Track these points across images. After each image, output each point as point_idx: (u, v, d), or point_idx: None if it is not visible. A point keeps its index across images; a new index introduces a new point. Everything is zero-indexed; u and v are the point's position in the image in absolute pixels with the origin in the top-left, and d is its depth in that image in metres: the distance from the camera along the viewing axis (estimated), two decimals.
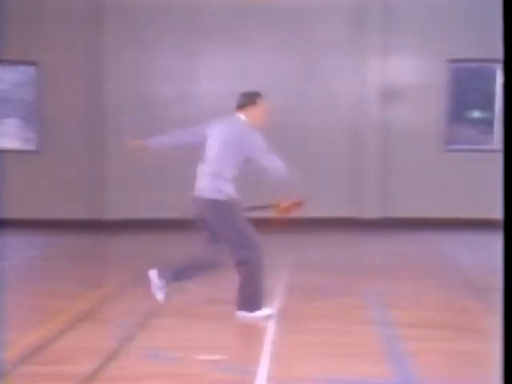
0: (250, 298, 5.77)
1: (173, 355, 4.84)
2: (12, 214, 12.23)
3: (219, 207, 5.67)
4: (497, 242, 11.70)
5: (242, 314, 5.81)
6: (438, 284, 7.60)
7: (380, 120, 12.71)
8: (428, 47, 12.70)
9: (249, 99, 5.93)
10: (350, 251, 10.15)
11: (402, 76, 12.78)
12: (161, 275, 5.83)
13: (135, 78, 12.97)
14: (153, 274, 5.85)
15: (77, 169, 12.92)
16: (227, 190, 5.69)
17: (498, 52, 11.75)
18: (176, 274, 5.88)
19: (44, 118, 12.93)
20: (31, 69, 12.97)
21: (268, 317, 5.77)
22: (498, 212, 12.09)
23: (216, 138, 5.87)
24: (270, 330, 5.46)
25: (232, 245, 5.72)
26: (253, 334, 5.42)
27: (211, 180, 5.73)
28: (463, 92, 13.23)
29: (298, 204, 5.88)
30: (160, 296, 5.87)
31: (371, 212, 12.77)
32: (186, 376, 4.43)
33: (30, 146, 13.09)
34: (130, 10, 12.80)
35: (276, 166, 5.63)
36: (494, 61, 12.62)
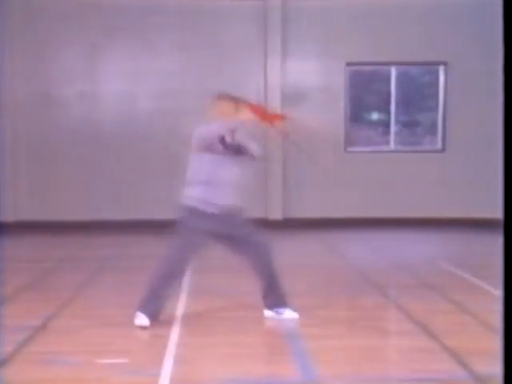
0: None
1: (73, 359, 4.73)
2: None
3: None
4: (393, 239, 12.11)
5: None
6: (337, 282, 7.77)
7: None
8: (327, 50, 12.97)
9: (231, 104, 5.73)
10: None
11: (302, 78, 12.99)
12: (147, 314, 5.58)
13: (34, 78, 12.64)
14: (141, 319, 5.60)
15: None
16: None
17: (393, 55, 12.14)
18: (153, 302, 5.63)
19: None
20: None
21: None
22: (395, 211, 12.50)
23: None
24: (174, 333, 5.43)
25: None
26: (156, 336, 5.37)
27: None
28: (361, 94, 13.58)
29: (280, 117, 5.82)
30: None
31: (275, 213, 12.91)
32: (87, 380, 4.34)
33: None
34: (31, 7, 12.48)
35: None
36: (390, 63, 13.05)
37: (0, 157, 12.47)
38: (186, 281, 7.59)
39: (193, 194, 5.59)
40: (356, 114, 13.50)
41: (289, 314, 5.84)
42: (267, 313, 5.87)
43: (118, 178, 12.85)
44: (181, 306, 6.35)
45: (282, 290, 5.87)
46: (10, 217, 12.59)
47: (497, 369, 4.57)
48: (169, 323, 5.67)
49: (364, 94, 13.74)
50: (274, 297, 5.86)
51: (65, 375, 4.43)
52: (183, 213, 5.58)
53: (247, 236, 5.76)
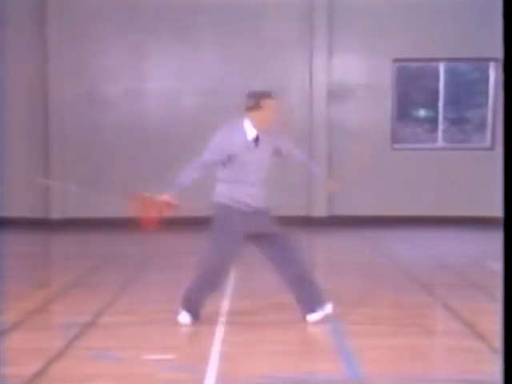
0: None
1: (121, 355, 4.80)
2: None
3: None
4: (440, 238, 11.95)
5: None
6: (382, 280, 7.72)
7: (328, 119, 12.83)
8: (373, 47, 12.86)
9: (253, 102, 5.42)
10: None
11: (348, 75, 12.92)
12: (188, 312, 5.64)
13: (80, 77, 12.83)
14: (183, 317, 5.66)
15: (22, 167, 12.69)
16: None
17: (442, 51, 11.99)
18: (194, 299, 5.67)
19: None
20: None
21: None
22: (442, 209, 12.33)
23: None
24: (220, 330, 5.47)
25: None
26: (202, 333, 5.41)
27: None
28: (408, 91, 13.44)
29: (165, 205, 5.45)
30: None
31: (320, 210, 12.87)
32: (133, 376, 4.41)
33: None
34: (74, 9, 12.67)
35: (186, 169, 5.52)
36: (438, 60, 12.88)
37: (48, 155, 12.69)
38: (231, 278, 7.63)
39: (220, 191, 5.54)
40: (403, 111, 13.37)
41: (327, 309, 5.64)
42: (308, 317, 5.67)
43: (163, 176, 12.92)
44: (225, 303, 6.38)
45: (314, 291, 5.66)
46: (58, 214, 12.80)
47: None
48: (213, 320, 5.70)
49: (411, 91, 13.60)
50: (308, 300, 5.67)
51: (112, 370, 4.50)
52: (215, 210, 5.55)
53: (274, 239, 5.58)
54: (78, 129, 12.88)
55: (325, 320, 5.68)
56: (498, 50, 12.63)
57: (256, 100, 5.42)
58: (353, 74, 12.94)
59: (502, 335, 2.44)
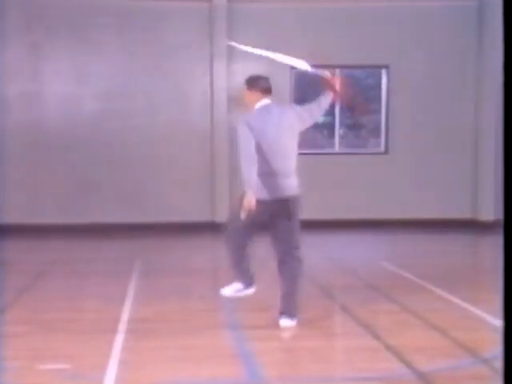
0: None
1: (16, 365, 4.65)
2: None
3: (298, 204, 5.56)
4: (338, 241, 12.06)
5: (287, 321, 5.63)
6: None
7: (228, 123, 12.87)
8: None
9: (268, 84, 5.72)
10: (206, 255, 10.20)
11: None
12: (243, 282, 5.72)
13: None
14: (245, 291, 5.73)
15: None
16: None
17: (337, 58, 12.13)
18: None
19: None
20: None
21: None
22: (345, 213, 12.40)
23: (277, 130, 5.46)
24: (119, 337, 5.37)
25: (295, 242, 5.57)
26: (101, 341, 5.29)
27: (293, 176, 5.54)
28: (305, 97, 13.65)
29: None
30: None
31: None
32: None
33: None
34: None
35: None
36: (334, 66, 13.18)
37: None
38: (132, 285, 7.54)
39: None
40: None
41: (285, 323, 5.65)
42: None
43: (61, 182, 12.65)
44: (126, 310, 6.29)
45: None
46: None
47: (438, 365, 4.66)
48: (113, 328, 5.60)
49: (309, 97, 13.79)
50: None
51: (6, 381, 4.35)
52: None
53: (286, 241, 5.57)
54: None
55: (229, 325, 5.69)
56: (388, 58, 13.03)
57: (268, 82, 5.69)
58: None
59: (503, 336, 2.48)
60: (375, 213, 13.11)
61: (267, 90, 5.63)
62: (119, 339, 5.32)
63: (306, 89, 13.58)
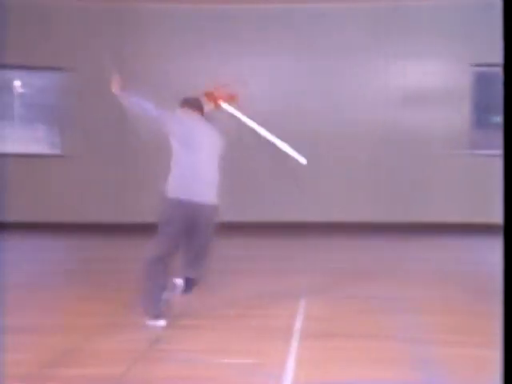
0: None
1: (197, 358, 4.88)
2: (42, 217, 12.43)
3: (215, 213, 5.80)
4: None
5: None
6: (459, 289, 7.55)
7: (402, 124, 12.69)
8: (451, 51, 12.65)
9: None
10: (373, 256, 10.13)
11: (424, 80, 12.74)
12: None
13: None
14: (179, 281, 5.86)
15: (103, 171, 12.94)
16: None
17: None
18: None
19: (69, 122, 13.03)
20: (57, 74, 13.06)
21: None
22: None
23: (203, 137, 5.81)
24: (296, 334, 5.49)
25: (206, 250, 5.84)
26: (280, 338, 5.44)
27: (212, 184, 5.80)
28: (487, 97, 13.16)
29: (232, 97, 5.94)
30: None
31: (393, 216, 12.72)
32: (209, 379, 4.47)
33: (56, 151, 13.21)
34: (153, 15, 12.91)
35: None
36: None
37: None
38: (305, 283, 7.65)
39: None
40: (480, 118, 13.09)
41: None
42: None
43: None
44: (300, 308, 6.41)
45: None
46: None
47: None
48: (291, 326, 5.73)
49: (489, 97, 13.29)
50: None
51: (188, 373, 4.57)
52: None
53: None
54: None
55: (401, 328, 5.63)
56: None
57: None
58: (429, 78, 12.73)
59: (503, 338, 2.42)
60: None
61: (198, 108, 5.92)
62: (296, 336, 5.44)
63: (487, 88, 13.09)
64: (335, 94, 12.84)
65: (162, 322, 5.73)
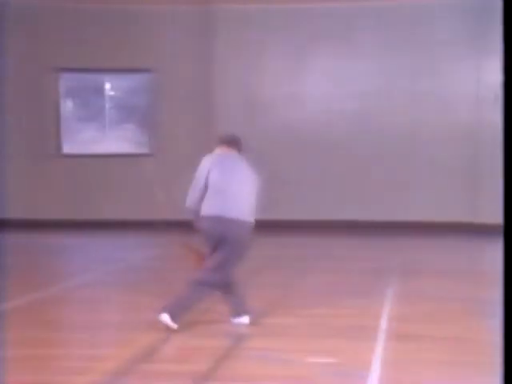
0: None
1: (284, 357, 4.86)
2: (127, 215, 12.72)
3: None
4: None
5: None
6: None
7: (497, 121, 12.31)
8: None
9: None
10: (466, 257, 9.92)
11: None
12: (172, 317, 5.50)
13: (244, 84, 13.11)
14: (165, 317, 5.52)
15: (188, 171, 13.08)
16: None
17: None
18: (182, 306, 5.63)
19: (156, 122, 13.29)
20: (144, 76, 13.35)
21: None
22: None
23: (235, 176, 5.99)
24: (381, 335, 5.41)
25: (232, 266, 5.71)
26: (364, 338, 5.37)
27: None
28: None
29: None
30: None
31: (488, 217, 12.37)
32: (296, 378, 4.45)
33: (143, 150, 13.49)
34: (238, 17, 12.99)
35: None
36: None
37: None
38: (392, 286, 7.54)
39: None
40: None
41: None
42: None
43: (315, 183, 12.88)
44: (386, 309, 6.32)
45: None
46: None
47: None
48: (375, 327, 5.65)
49: None
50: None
51: (275, 372, 4.57)
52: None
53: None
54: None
55: (493, 331, 5.49)
56: None
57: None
58: None
59: (503, 339, 2.30)
60: None
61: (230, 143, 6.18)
62: (382, 337, 5.36)
63: None
64: (423, 93, 12.62)
65: (245, 320, 5.73)
